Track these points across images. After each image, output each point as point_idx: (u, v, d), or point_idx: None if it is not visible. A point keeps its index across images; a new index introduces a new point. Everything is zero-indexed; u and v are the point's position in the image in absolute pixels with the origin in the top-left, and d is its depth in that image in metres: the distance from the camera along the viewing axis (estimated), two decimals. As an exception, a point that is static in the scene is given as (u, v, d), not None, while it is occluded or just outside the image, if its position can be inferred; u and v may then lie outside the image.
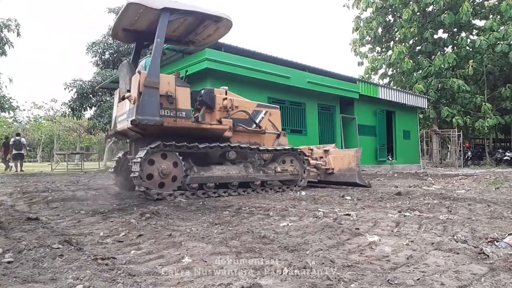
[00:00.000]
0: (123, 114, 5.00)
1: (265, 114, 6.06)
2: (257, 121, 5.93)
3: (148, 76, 4.49)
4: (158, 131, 4.61)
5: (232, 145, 5.24)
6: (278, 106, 6.71)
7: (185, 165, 4.79)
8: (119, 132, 5.19)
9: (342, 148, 12.11)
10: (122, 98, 5.13)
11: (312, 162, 6.43)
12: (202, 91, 5.38)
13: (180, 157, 4.73)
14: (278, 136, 6.16)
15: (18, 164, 15.24)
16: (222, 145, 5.10)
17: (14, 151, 15.34)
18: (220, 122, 5.24)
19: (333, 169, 6.41)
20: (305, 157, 6.06)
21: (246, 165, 5.40)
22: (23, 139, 16.31)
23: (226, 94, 5.52)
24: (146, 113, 4.41)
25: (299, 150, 6.04)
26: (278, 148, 5.86)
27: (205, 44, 6.33)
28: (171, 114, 4.66)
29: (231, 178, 5.11)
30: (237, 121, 5.55)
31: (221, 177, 5.03)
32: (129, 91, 4.82)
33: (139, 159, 4.33)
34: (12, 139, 15.88)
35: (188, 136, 4.87)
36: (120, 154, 5.83)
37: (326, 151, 6.63)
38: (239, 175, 5.21)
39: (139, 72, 4.59)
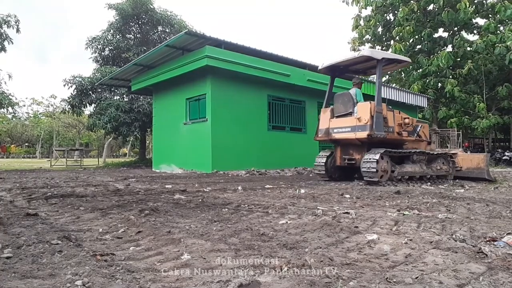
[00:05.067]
0: (342, 127, 6.99)
1: (420, 127, 7.74)
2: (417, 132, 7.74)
3: (376, 105, 6.48)
4: (379, 141, 6.63)
5: (423, 150, 7.13)
6: (427, 121, 8.62)
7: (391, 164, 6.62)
8: (333, 139, 7.22)
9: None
10: (338, 116, 7.15)
11: None
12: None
13: (390, 159, 6.55)
14: (429, 143, 8.04)
15: None
16: (413, 150, 6.95)
17: None
18: (399, 134, 6.95)
19: (461, 167, 8.01)
20: (452, 159, 7.72)
21: (421, 164, 7.11)
22: None
23: (399, 114, 7.15)
24: (378, 129, 6.42)
25: (449, 154, 7.84)
26: (439, 152, 7.72)
27: (374, 73, 7.67)
28: (386, 130, 6.64)
29: (415, 173, 6.90)
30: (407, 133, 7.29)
31: (412, 172, 6.83)
32: (351, 113, 6.87)
33: (375, 159, 6.14)
34: None
35: (388, 144, 6.71)
36: (326, 154, 7.56)
37: (454, 154, 8.26)
38: (420, 171, 6.99)
39: (370, 102, 6.55)
